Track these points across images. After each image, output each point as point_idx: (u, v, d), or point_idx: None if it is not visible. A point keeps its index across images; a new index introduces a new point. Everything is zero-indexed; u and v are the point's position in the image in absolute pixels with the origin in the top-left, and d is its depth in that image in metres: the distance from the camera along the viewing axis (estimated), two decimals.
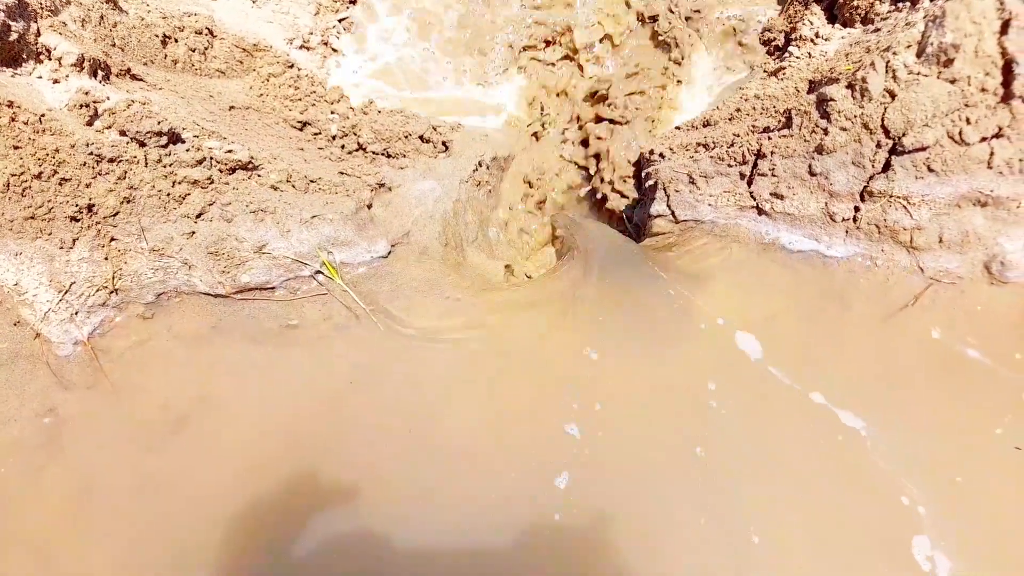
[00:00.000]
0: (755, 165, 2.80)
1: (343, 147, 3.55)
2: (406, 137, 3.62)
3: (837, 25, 3.83)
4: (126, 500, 2.37)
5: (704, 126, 3.82)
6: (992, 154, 2.38)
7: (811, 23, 3.90)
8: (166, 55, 3.26)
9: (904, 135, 2.40)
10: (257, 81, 3.73)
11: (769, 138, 2.76)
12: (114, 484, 2.39)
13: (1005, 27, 2.37)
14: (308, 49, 4.04)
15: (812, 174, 2.62)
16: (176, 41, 3.33)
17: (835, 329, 2.55)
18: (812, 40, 3.83)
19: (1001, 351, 2.40)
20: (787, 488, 2.26)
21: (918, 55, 2.43)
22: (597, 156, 4.23)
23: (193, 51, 3.41)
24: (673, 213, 2.99)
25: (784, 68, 3.84)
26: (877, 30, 3.39)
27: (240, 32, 3.77)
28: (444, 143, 3.70)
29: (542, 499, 2.31)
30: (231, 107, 3.34)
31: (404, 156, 3.55)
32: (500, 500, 2.32)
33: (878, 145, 2.45)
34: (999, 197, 2.40)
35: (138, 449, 2.44)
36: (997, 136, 2.39)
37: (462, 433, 2.47)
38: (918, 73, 2.40)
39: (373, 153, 3.54)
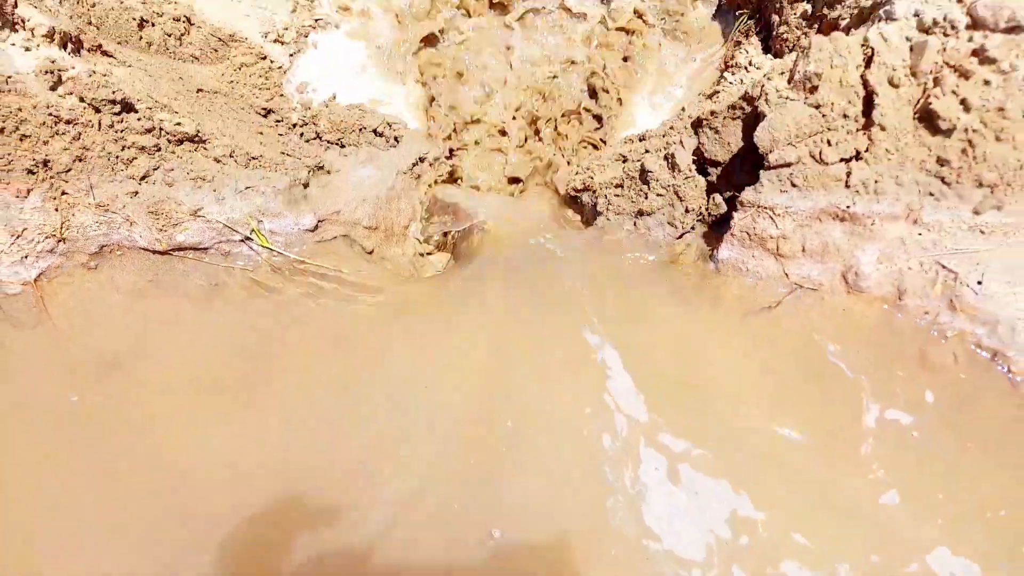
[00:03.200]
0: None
1: (302, 135, 3.86)
2: (361, 130, 3.93)
3: (769, 56, 4.14)
4: (58, 426, 2.65)
5: (640, 140, 4.13)
6: (849, 174, 2.67)
7: (747, 52, 4.21)
8: (141, 37, 3.58)
9: (770, 151, 2.69)
10: (229, 69, 4.04)
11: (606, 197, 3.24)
12: (49, 411, 2.67)
13: (868, 62, 2.67)
14: (281, 43, 4.36)
15: (636, 227, 3.03)
16: (153, 25, 3.66)
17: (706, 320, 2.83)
18: (745, 68, 4.13)
19: (847, 350, 2.67)
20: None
21: (788, 81, 2.73)
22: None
23: (169, 36, 3.73)
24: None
25: (718, 92, 4.14)
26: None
27: (218, 22, 4.09)
28: (396, 138, 4.01)
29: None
30: (199, 89, 3.65)
31: (357, 147, 3.86)
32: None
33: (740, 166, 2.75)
34: (856, 214, 2.69)
35: (72, 383, 2.72)
36: (855, 158, 2.68)
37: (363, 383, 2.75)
38: (786, 97, 2.69)
39: (328, 142, 3.85)
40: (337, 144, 3.84)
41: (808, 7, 3.83)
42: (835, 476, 2.47)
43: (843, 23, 3.52)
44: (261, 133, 3.69)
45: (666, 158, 3.36)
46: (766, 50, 4.17)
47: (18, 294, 2.73)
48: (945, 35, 2.63)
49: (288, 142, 3.73)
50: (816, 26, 3.75)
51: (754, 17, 4.27)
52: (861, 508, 2.40)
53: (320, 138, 3.88)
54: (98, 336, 2.81)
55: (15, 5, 2.75)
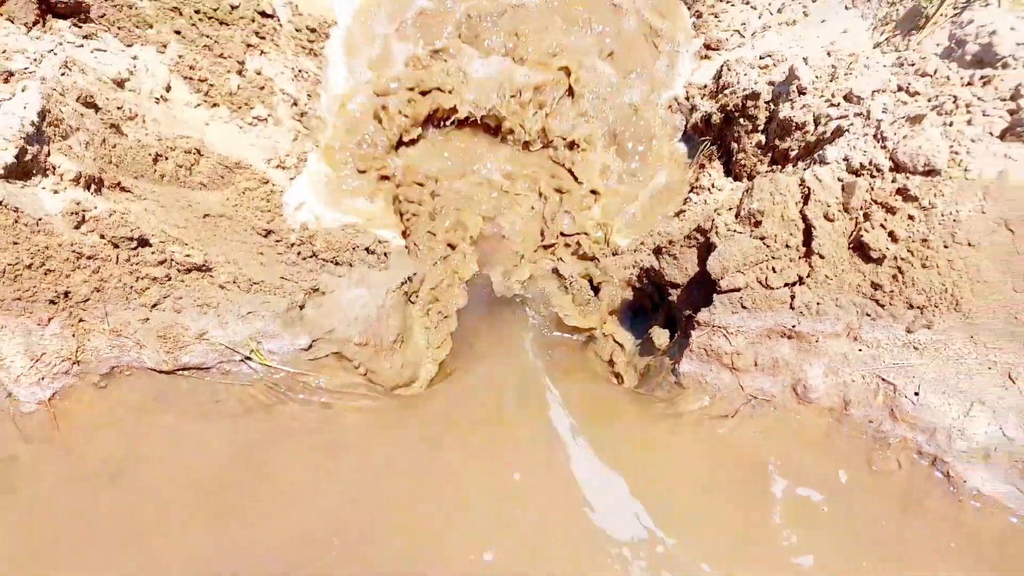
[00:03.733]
0: None
1: (299, 254, 4.17)
2: (353, 248, 4.25)
3: (730, 179, 4.52)
4: (63, 532, 2.83)
5: (614, 254, 4.46)
6: (793, 297, 2.97)
7: (710, 175, 4.60)
8: (156, 170, 3.93)
9: (721, 278, 3.00)
10: (234, 194, 4.39)
11: None
12: (55, 518, 2.86)
13: (806, 199, 3.01)
14: (283, 168, 4.74)
15: None
16: (166, 159, 4.02)
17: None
18: (708, 189, 4.50)
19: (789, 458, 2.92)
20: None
21: (736, 216, 3.07)
22: None
23: (180, 167, 4.09)
24: None
25: (684, 211, 4.51)
26: None
27: (225, 152, 4.47)
28: (385, 254, 4.33)
29: None
30: (206, 215, 3.97)
31: (351, 265, 4.17)
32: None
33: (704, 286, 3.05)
34: (801, 332, 2.97)
35: (78, 492, 2.92)
36: (798, 283, 2.99)
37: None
38: (734, 230, 3.02)
39: (323, 260, 4.16)
40: (332, 262, 4.15)
41: (762, 138, 4.24)
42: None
43: (792, 153, 3.90)
44: (261, 253, 3.99)
45: None
46: (727, 173, 4.55)
47: (33, 412, 2.95)
48: (872, 176, 2.98)
49: (287, 260, 4.03)
50: (770, 155, 4.15)
51: (716, 144, 4.69)
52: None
53: (316, 256, 4.18)
54: (104, 448, 3.02)
55: (48, 154, 3.09)
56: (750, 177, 4.30)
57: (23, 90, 3.14)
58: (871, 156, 3.00)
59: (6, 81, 3.18)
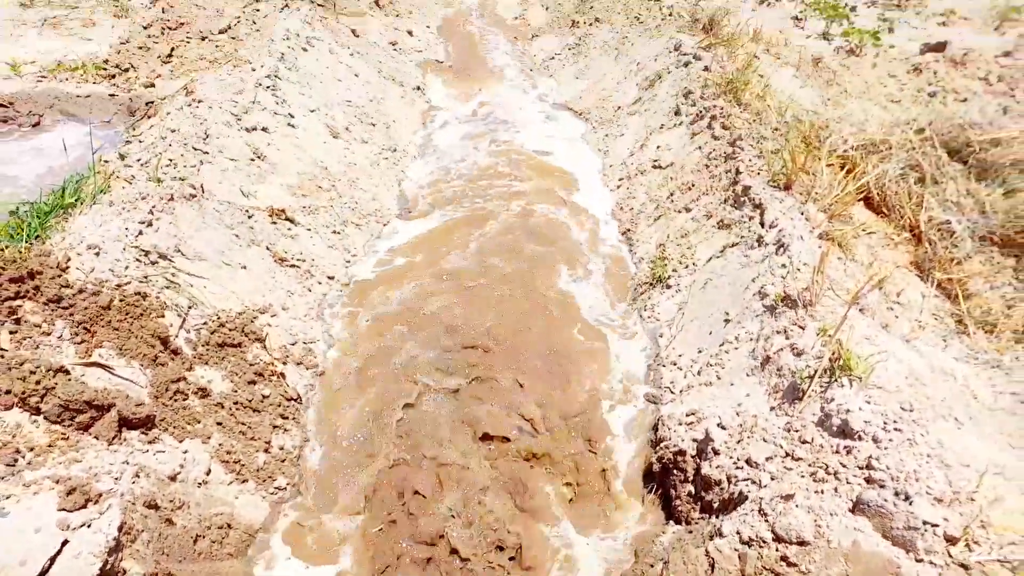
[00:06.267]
0: None
1: None
2: None
3: (671, 522, 5.38)
4: None
5: None
6: None
7: (656, 519, 5.47)
8: (195, 549, 4.80)
9: None
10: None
11: None
12: None
13: (712, 567, 3.87)
14: None
15: None
16: (204, 537, 4.90)
17: None
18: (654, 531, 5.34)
19: None
20: None
21: None
22: None
23: (214, 543, 4.96)
24: None
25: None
26: (690, 532, 4.92)
27: (248, 521, 5.36)
28: None
29: None
30: None
31: None
32: None
33: None
34: None
35: None
36: None
37: None
38: None
39: None
40: None
41: (692, 488, 5.20)
42: None
43: (715, 505, 4.83)
44: None
45: None
46: (670, 516, 5.44)
47: None
48: (760, 547, 3.88)
49: None
50: (699, 503, 5.07)
51: (658, 489, 5.64)
52: None
53: None
54: None
55: (121, 559, 3.98)
56: (687, 521, 5.18)
57: (108, 508, 4.10)
58: (757, 530, 3.92)
59: (96, 502, 4.16)
